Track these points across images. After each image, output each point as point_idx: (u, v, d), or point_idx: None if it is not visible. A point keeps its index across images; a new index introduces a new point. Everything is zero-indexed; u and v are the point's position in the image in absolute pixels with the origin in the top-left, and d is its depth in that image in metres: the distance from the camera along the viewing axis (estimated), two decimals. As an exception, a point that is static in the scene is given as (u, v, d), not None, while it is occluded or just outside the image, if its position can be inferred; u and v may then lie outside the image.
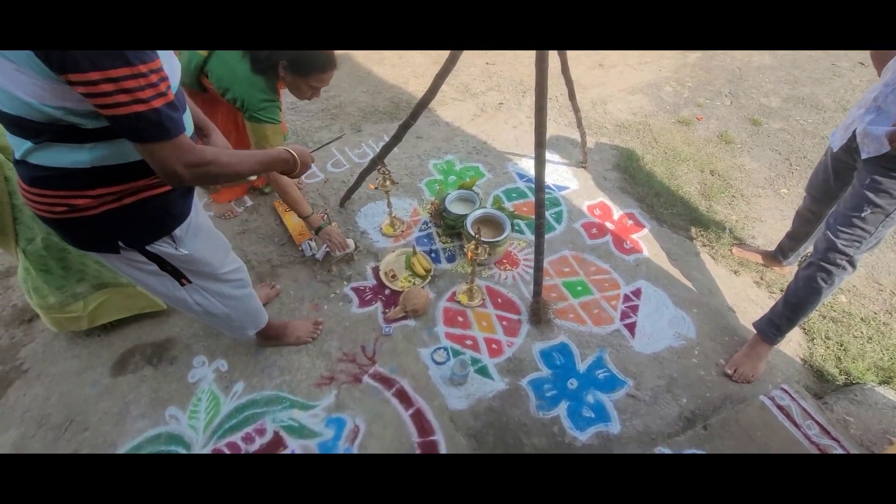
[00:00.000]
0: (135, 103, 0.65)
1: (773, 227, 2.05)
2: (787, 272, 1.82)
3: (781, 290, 1.75)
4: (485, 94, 2.83)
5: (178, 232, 0.95)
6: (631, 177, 2.26)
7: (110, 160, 0.79)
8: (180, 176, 0.76)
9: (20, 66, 0.64)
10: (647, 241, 1.94)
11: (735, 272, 1.85)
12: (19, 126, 0.72)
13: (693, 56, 3.27)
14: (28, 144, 0.75)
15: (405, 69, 3.02)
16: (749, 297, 1.76)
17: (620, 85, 2.99)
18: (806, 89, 2.96)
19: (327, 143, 1.49)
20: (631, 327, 1.62)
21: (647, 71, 3.12)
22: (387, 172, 1.73)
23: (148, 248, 0.92)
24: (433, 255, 1.84)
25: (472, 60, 3.11)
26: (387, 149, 1.79)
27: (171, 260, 0.97)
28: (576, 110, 1.97)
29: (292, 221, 1.90)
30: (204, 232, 1.04)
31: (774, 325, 1.44)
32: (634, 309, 1.68)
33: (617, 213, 2.08)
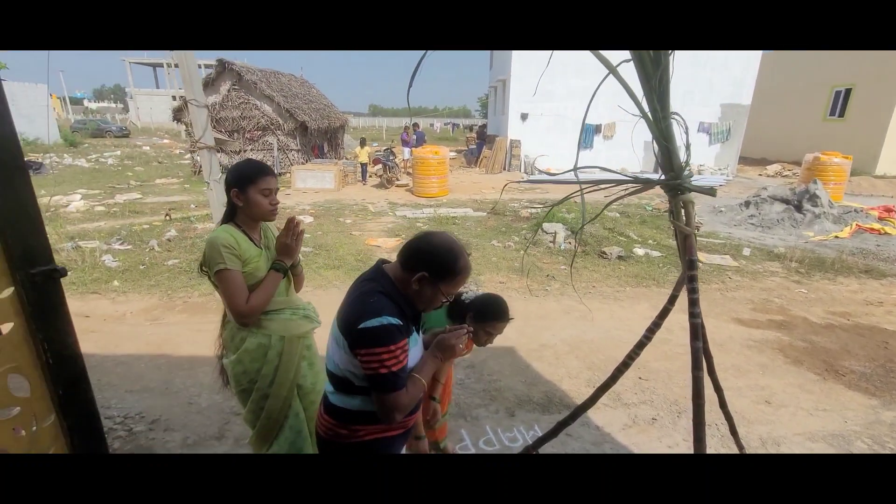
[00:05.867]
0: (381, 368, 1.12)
1: None
2: None
3: None
4: (637, 406, 2.93)
5: None
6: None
7: (365, 408, 1.21)
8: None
9: (339, 345, 1.18)
10: None
11: None
12: (332, 378, 1.25)
13: (889, 414, 2.95)
14: (332, 389, 1.25)
15: (560, 368, 3.40)
16: None
17: (794, 427, 2.78)
18: None
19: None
20: None
21: (827, 419, 2.88)
22: (539, 463, 1.86)
23: None
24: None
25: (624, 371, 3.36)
26: (541, 441, 1.97)
27: None
28: (740, 448, 1.94)
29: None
30: None
31: None
32: None
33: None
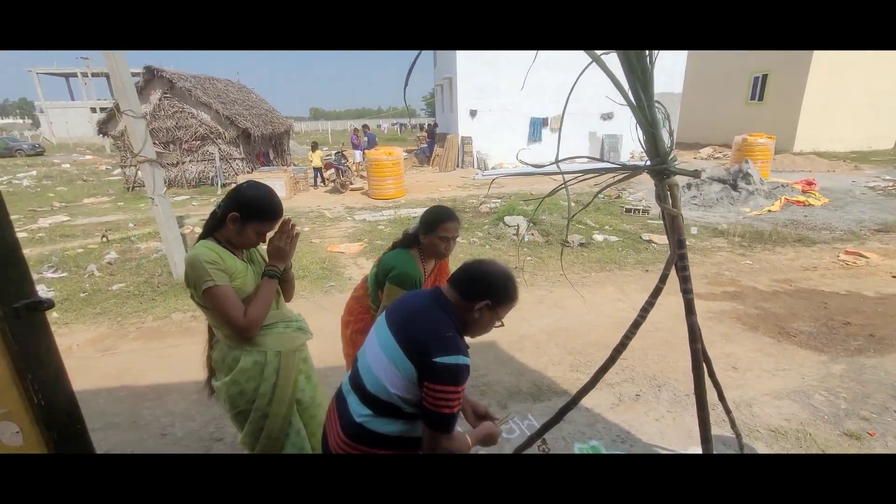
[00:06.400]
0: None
1: None
2: None
3: None
4: (620, 384, 3.05)
5: None
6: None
7: (406, 434, 1.17)
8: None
9: (399, 370, 1.12)
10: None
11: None
12: (372, 401, 1.16)
13: (837, 367, 3.26)
14: (369, 412, 1.16)
15: (543, 357, 3.47)
16: None
17: (761, 389, 3.01)
18: None
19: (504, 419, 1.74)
20: None
21: (788, 378, 3.14)
22: (547, 449, 1.89)
23: None
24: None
25: (603, 354, 3.49)
26: (545, 428, 2.01)
27: None
28: (727, 411, 2.07)
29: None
30: None
31: None
32: None
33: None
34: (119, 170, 13.60)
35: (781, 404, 2.83)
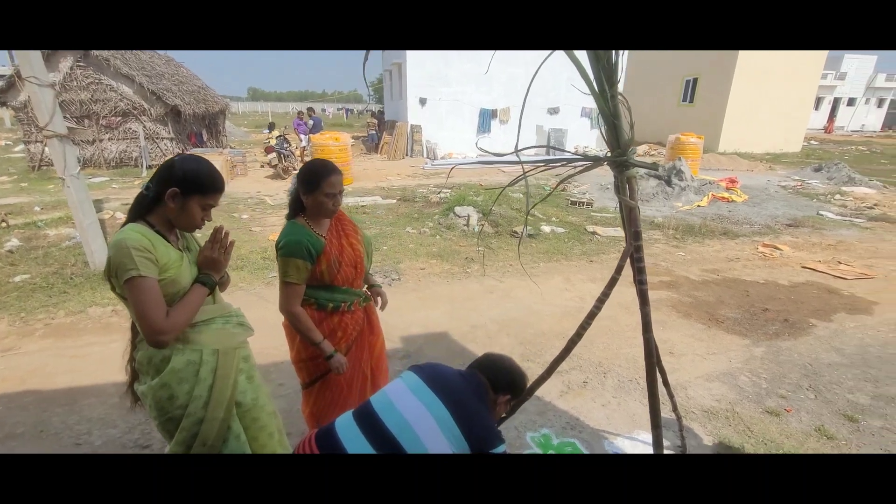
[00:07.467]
0: None
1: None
2: None
3: None
4: (568, 372, 3.13)
5: None
6: (737, 467, 2.21)
7: None
8: None
9: (445, 435, 1.17)
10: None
11: None
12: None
13: (758, 350, 3.55)
14: None
15: (494, 347, 3.48)
16: None
17: (695, 372, 3.21)
18: (892, 389, 3.01)
19: None
20: None
21: (717, 361, 3.38)
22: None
23: None
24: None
25: (552, 343, 3.57)
26: (503, 418, 1.99)
27: None
28: (670, 396, 2.16)
29: None
30: None
31: None
32: None
33: None
34: (22, 146, 12.04)
35: (712, 386, 3.03)
